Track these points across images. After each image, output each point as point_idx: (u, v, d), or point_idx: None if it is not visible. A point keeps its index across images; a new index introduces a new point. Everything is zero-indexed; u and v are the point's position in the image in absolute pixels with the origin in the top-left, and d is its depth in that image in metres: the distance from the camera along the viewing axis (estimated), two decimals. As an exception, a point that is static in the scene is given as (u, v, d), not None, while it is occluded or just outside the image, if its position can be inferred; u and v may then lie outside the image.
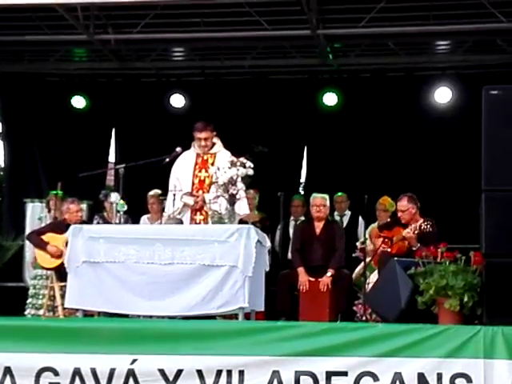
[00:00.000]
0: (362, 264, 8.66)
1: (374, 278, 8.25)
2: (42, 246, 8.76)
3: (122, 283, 7.12)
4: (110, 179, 13.70)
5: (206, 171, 7.99)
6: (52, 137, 12.47)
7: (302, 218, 10.02)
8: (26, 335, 6.35)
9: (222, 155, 7.98)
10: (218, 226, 7.26)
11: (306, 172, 12.59)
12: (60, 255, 8.35)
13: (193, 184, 8.03)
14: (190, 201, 7.91)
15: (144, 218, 9.81)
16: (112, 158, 13.23)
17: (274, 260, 9.31)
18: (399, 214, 8.34)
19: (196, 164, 8.10)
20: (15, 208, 12.15)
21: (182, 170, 8.09)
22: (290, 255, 9.52)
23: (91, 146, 12.42)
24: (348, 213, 10.39)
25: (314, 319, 7.60)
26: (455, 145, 11.38)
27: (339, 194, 10.38)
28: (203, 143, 8.08)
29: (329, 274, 8.54)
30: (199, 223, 7.85)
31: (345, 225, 10.14)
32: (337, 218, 10.21)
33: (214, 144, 8.14)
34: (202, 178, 8.02)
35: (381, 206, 9.66)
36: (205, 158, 8.10)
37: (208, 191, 7.85)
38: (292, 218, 10.21)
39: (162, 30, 10.82)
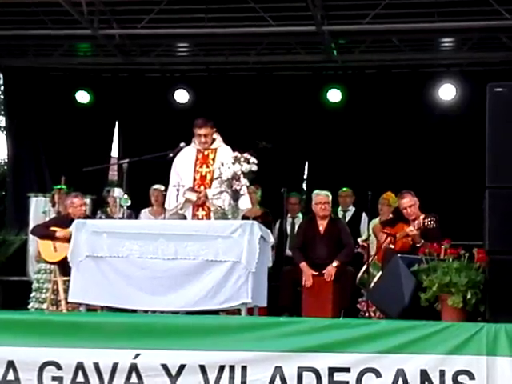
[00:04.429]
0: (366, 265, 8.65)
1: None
2: (50, 234, 8.71)
3: (126, 278, 7.11)
4: (113, 174, 13.71)
5: (208, 167, 7.99)
6: (56, 131, 12.48)
7: (300, 215, 10.08)
8: (30, 329, 6.32)
9: (223, 150, 7.98)
10: (222, 222, 7.24)
11: (310, 168, 12.58)
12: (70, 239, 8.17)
13: (194, 180, 8.02)
14: (193, 196, 7.89)
15: (145, 211, 9.80)
16: (115, 152, 13.24)
17: (277, 256, 9.31)
18: (406, 212, 8.32)
19: (197, 160, 8.08)
20: (19, 202, 12.15)
21: (183, 165, 8.08)
22: (288, 252, 9.53)
23: (95, 141, 12.42)
24: (352, 208, 10.40)
25: (317, 315, 7.61)
26: (459, 142, 11.37)
27: (344, 189, 10.42)
28: (203, 139, 8.06)
29: (334, 264, 8.53)
30: (201, 219, 7.84)
31: (347, 220, 10.14)
32: (340, 213, 10.22)
33: (214, 140, 8.14)
34: (204, 174, 8.01)
35: (384, 201, 9.64)
36: (205, 153, 8.09)
37: (210, 187, 7.84)
38: (289, 215, 10.19)
39: (167, 26, 10.82)
